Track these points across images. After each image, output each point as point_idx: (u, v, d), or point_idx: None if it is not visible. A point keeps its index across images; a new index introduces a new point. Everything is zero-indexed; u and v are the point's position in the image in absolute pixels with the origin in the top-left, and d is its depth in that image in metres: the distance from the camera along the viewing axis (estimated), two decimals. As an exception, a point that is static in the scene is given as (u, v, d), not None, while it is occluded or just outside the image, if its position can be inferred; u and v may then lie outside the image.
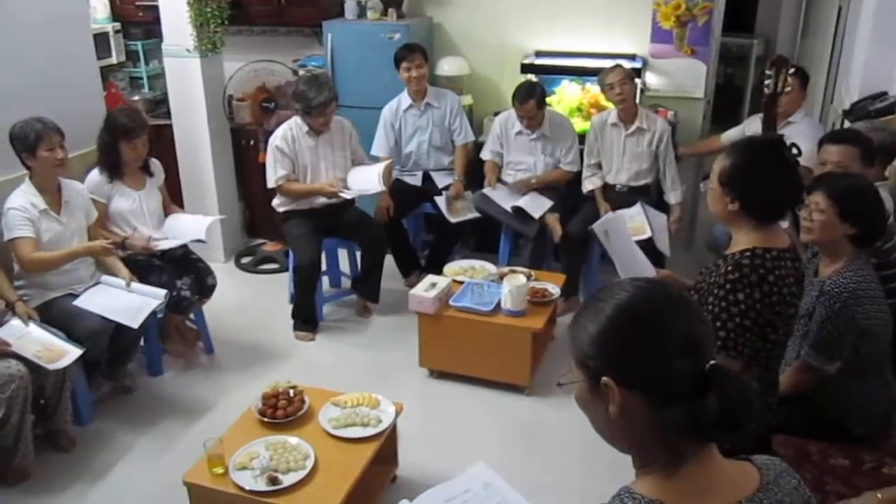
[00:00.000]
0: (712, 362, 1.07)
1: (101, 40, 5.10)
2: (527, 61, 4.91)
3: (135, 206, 3.78)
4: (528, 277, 3.88)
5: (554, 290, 3.86)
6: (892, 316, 2.55)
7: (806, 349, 2.47)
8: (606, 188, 4.51)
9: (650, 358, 1.07)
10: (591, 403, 1.13)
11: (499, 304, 3.67)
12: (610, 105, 4.50)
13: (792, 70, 3.71)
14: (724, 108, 6.06)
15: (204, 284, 3.93)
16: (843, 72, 4.71)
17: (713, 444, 1.11)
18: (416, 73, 4.54)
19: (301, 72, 5.11)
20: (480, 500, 1.97)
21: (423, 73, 4.57)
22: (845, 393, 2.47)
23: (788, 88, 3.71)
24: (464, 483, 2.03)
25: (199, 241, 3.81)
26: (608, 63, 4.46)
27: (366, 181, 4.30)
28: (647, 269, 2.58)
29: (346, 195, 4.27)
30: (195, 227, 3.87)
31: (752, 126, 4.32)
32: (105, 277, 3.57)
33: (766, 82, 3.27)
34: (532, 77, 4.79)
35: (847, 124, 3.84)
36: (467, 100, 5.15)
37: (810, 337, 2.46)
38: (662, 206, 4.47)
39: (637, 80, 4.70)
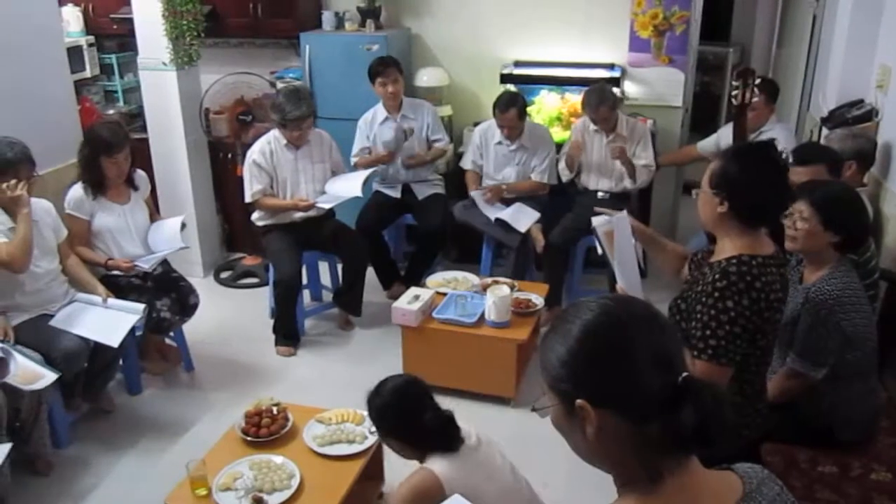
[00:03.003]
0: (685, 374, 1.06)
1: (74, 54, 5.03)
2: (506, 71, 4.92)
3: (120, 221, 3.70)
4: (512, 288, 3.86)
5: (538, 300, 3.84)
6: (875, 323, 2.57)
7: (792, 356, 2.47)
8: (588, 195, 4.51)
9: (622, 377, 1.06)
10: (568, 426, 1.12)
11: (482, 315, 3.65)
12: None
13: (758, 81, 3.74)
14: (702, 116, 6.09)
15: (186, 304, 3.84)
16: (820, 80, 4.75)
17: (693, 456, 1.10)
18: (393, 88, 4.50)
19: (279, 84, 5.07)
20: None
21: (398, 89, 4.53)
22: (831, 400, 2.48)
23: (756, 99, 3.74)
24: None
25: (181, 248, 3.77)
26: (587, 73, 4.46)
27: (346, 187, 4.27)
28: (637, 276, 2.56)
29: (323, 205, 4.22)
30: (171, 234, 3.81)
31: (725, 135, 4.34)
32: (80, 295, 3.49)
33: (734, 93, 3.29)
34: (511, 87, 4.79)
35: (825, 132, 3.87)
36: (446, 110, 5.14)
37: (797, 344, 2.46)
38: (645, 216, 4.47)
39: (616, 90, 4.72)
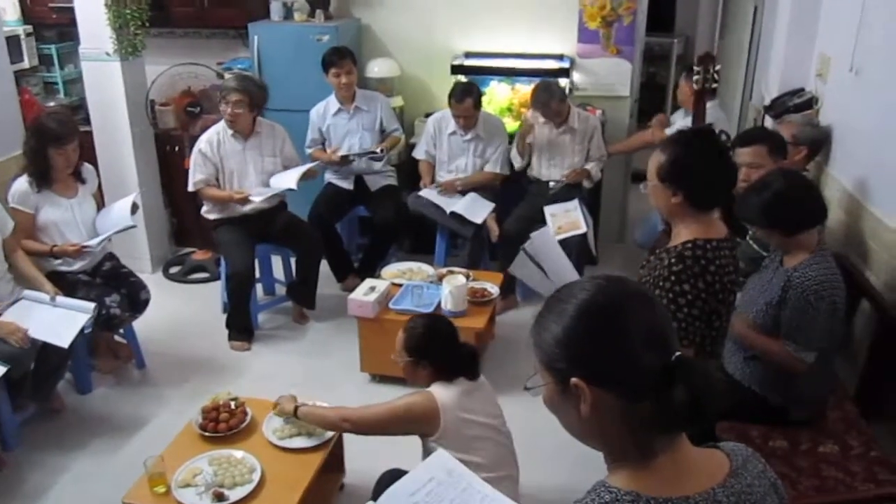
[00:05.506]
0: (678, 353, 1.09)
1: (11, 43, 4.84)
2: (456, 62, 4.92)
3: (67, 214, 3.59)
4: (467, 277, 3.88)
5: (493, 289, 3.87)
6: None
7: (787, 342, 2.50)
8: (539, 184, 4.56)
9: (618, 355, 1.08)
10: (562, 405, 1.14)
11: (439, 305, 3.67)
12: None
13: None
14: (649, 105, 6.21)
15: (137, 300, 3.76)
16: (762, 69, 4.88)
17: (683, 434, 1.13)
18: (347, 79, 4.46)
19: (227, 75, 4.98)
20: (446, 488, 1.92)
21: (352, 80, 4.50)
22: (790, 382, 2.55)
23: (716, 85, 3.83)
24: (425, 472, 1.98)
25: (129, 227, 3.67)
26: (537, 64, 4.48)
27: (283, 180, 4.19)
28: (574, 274, 2.61)
29: (255, 198, 4.11)
30: (119, 214, 3.71)
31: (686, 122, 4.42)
32: (27, 293, 3.38)
33: (696, 78, 3.35)
34: (462, 78, 4.80)
35: (769, 119, 3.98)
36: (398, 101, 5.13)
37: (784, 328, 2.50)
38: (595, 204, 4.54)
39: (565, 80, 4.77)
